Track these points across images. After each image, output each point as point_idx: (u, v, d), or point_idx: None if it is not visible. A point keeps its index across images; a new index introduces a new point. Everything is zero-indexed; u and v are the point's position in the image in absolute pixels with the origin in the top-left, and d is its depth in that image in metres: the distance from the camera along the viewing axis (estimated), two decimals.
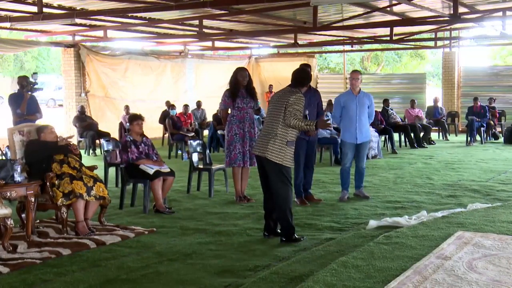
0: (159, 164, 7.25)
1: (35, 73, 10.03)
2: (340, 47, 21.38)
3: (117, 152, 8.46)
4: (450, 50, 19.13)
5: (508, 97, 18.49)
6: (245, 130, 7.53)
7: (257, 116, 12.96)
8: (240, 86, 7.56)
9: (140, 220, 6.65)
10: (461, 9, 11.68)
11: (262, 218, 6.66)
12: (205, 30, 13.94)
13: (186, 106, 14.63)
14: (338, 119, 7.90)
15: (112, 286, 4.45)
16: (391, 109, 14.97)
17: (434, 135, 16.09)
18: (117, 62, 16.25)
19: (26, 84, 9.55)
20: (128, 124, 8.02)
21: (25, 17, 10.32)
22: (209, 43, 17.94)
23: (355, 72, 7.93)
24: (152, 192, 7.10)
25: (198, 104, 16.09)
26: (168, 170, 7.28)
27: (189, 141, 8.95)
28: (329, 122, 6.13)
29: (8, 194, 5.65)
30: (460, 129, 18.03)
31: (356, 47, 24.35)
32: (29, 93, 9.53)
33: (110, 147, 8.89)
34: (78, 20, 11.99)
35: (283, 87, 5.84)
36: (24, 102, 9.43)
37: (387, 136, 13.71)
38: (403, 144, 14.63)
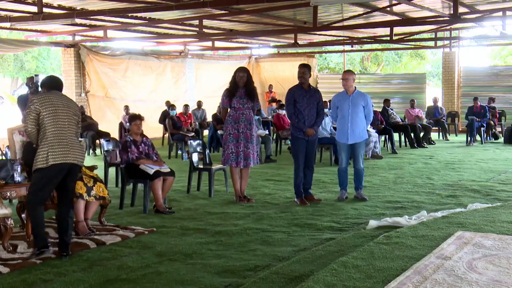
0: (159, 164, 7.25)
1: (36, 75, 10.04)
2: (340, 47, 21.38)
3: (117, 152, 8.46)
4: (450, 50, 19.13)
5: (508, 97, 18.49)
6: (240, 131, 7.51)
7: (257, 117, 12.96)
8: (238, 87, 7.55)
9: (140, 220, 6.65)
10: (461, 9, 11.69)
11: (262, 218, 6.69)
12: (205, 30, 13.94)
13: (186, 106, 14.64)
14: (336, 119, 7.92)
15: (112, 286, 4.45)
16: (391, 109, 14.96)
17: (434, 135, 16.08)
18: (117, 62, 16.26)
19: (31, 86, 9.54)
20: (128, 124, 8.01)
21: (25, 17, 10.32)
22: (209, 43, 17.95)
23: (345, 73, 7.93)
24: (152, 192, 7.10)
25: (199, 104, 16.09)
26: (168, 170, 7.27)
27: (189, 141, 8.95)
28: None
29: (8, 194, 5.65)
30: (460, 129, 18.03)
31: (356, 47, 24.38)
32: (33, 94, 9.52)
33: (110, 147, 8.90)
34: (78, 20, 12.00)
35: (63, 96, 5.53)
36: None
37: (387, 136, 13.71)
38: (403, 144, 14.64)
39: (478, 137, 15.16)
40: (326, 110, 10.65)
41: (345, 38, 17.59)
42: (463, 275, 4.09)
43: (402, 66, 34.87)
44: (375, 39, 17.76)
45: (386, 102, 14.91)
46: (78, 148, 5.30)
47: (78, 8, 11.16)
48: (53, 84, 5.45)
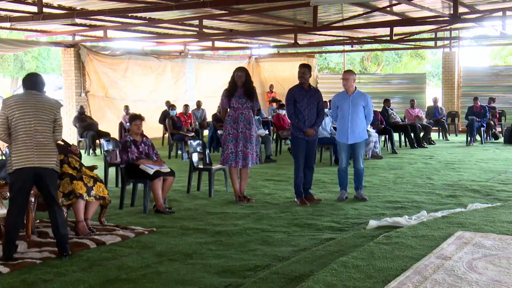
0: (159, 164, 7.25)
1: None
2: (340, 47, 21.38)
3: (117, 152, 8.46)
4: (450, 50, 19.13)
5: (508, 97, 18.50)
6: (239, 131, 7.51)
7: (257, 117, 12.95)
8: (237, 86, 7.55)
9: (140, 220, 6.65)
10: (461, 9, 11.69)
11: (262, 218, 6.69)
12: (205, 30, 13.94)
13: (186, 106, 14.64)
14: (336, 119, 7.92)
15: (112, 286, 4.45)
16: (391, 109, 14.96)
17: (434, 135, 16.08)
18: (117, 62, 16.26)
19: None
20: (128, 124, 8.01)
21: (25, 17, 10.32)
22: (209, 43, 17.94)
23: (345, 73, 7.96)
24: (152, 192, 7.10)
25: (198, 104, 16.10)
26: (168, 170, 7.28)
27: (189, 141, 8.95)
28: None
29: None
30: (460, 129, 18.03)
31: (356, 47, 24.36)
32: None
33: (110, 147, 8.90)
34: (78, 20, 12.00)
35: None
36: None
37: (387, 136, 13.70)
38: (403, 144, 14.64)
39: (478, 137, 15.16)
40: (326, 110, 10.64)
41: (345, 38, 17.58)
42: (463, 275, 4.09)
43: (402, 66, 34.85)
44: (375, 39, 17.76)
45: (386, 102, 14.91)
46: (46, 150, 5.05)
47: (78, 8, 11.16)
48: (30, 83, 5.19)
